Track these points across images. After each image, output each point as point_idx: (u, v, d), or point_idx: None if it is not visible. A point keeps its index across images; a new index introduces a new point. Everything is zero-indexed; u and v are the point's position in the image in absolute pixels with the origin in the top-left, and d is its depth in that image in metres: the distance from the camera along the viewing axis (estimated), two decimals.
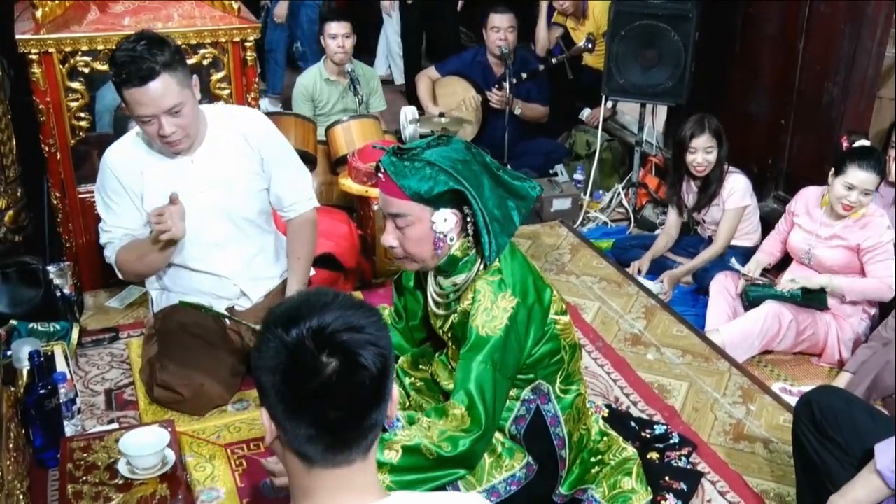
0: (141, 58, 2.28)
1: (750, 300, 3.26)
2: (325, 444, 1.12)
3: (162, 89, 2.32)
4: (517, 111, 4.63)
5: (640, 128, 4.40)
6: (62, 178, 3.18)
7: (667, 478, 2.33)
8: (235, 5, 3.28)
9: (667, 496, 2.27)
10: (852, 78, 3.60)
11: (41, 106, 3.05)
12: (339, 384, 1.09)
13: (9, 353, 2.54)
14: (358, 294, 3.03)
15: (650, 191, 4.40)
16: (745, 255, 3.55)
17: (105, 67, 2.65)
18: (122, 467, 2.10)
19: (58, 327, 2.83)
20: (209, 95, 3.23)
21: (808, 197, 3.31)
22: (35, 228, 3.37)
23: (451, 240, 1.95)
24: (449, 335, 2.10)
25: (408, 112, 4.22)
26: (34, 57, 2.98)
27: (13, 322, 2.76)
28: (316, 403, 1.09)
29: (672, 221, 3.85)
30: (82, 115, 3.14)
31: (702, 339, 3.18)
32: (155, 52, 2.30)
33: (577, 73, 5.13)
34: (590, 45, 4.85)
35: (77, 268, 3.26)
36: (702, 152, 3.55)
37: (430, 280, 2.12)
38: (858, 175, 3.03)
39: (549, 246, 3.94)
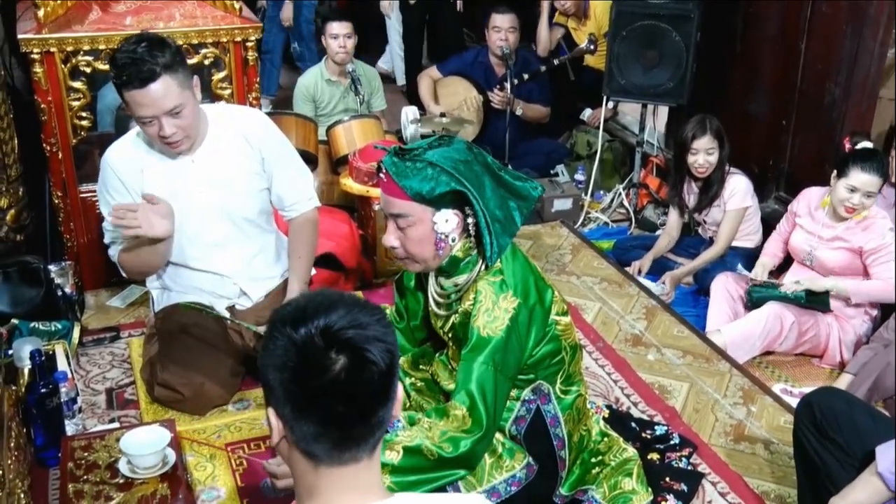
0: (141, 59, 2.29)
1: (753, 301, 3.25)
2: (333, 442, 1.13)
3: (162, 91, 2.32)
4: (518, 112, 4.63)
5: (642, 128, 4.40)
6: (63, 177, 3.18)
7: (667, 478, 2.33)
8: (237, 5, 3.28)
9: (667, 497, 2.27)
10: (854, 78, 3.59)
11: (43, 105, 3.05)
12: (347, 380, 1.10)
13: (10, 352, 2.55)
14: (359, 294, 3.03)
15: (651, 191, 4.40)
16: (746, 255, 3.55)
17: (106, 67, 2.66)
18: (122, 466, 2.10)
19: (59, 326, 2.83)
20: (210, 95, 3.23)
21: (810, 198, 3.30)
22: (36, 228, 3.37)
23: (453, 240, 1.95)
24: (450, 335, 2.10)
25: (409, 112, 4.22)
26: (36, 56, 2.98)
27: (14, 321, 2.76)
28: (324, 400, 1.10)
29: (673, 222, 3.85)
30: (84, 114, 3.14)
31: (702, 339, 3.18)
32: (155, 53, 2.30)
33: (579, 73, 5.13)
34: (592, 47, 4.85)
35: (78, 267, 3.26)
36: (703, 153, 3.55)
37: (431, 280, 2.12)
38: (861, 177, 3.02)
39: (550, 246, 3.94)
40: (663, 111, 4.58)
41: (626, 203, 4.39)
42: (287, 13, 5.75)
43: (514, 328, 1.92)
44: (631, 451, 2.26)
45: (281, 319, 1.13)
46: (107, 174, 2.55)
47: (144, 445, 2.10)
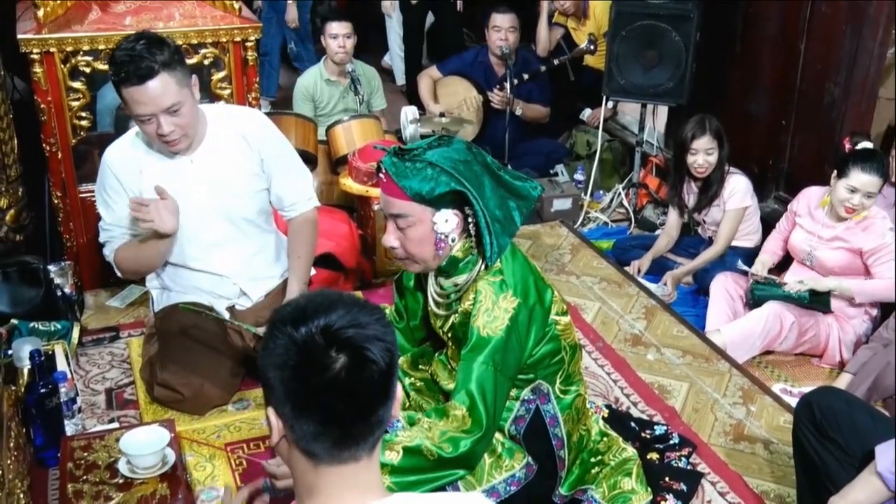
0: (140, 57, 2.29)
1: (756, 298, 3.25)
2: (333, 440, 1.13)
3: (161, 88, 2.32)
4: (518, 111, 4.63)
5: (641, 128, 4.40)
6: (63, 177, 3.18)
7: (667, 478, 2.33)
8: (237, 5, 3.28)
9: (667, 497, 2.27)
10: (853, 78, 3.59)
11: (42, 105, 3.05)
12: (348, 379, 1.11)
13: (9, 352, 2.55)
14: (358, 294, 3.03)
15: (651, 191, 4.40)
16: (746, 255, 3.55)
17: (106, 67, 2.67)
18: (122, 466, 2.10)
19: (58, 326, 2.83)
20: (210, 95, 3.23)
21: (810, 197, 3.30)
22: (36, 228, 3.37)
23: (453, 240, 1.95)
24: (449, 335, 2.10)
25: (408, 112, 4.22)
26: (36, 56, 2.98)
27: (14, 321, 2.77)
28: (325, 399, 1.11)
29: (672, 222, 3.85)
30: (83, 114, 3.14)
31: (702, 339, 3.18)
32: (154, 51, 2.30)
33: (578, 73, 5.13)
34: (592, 47, 4.85)
35: (78, 267, 3.26)
36: (703, 154, 3.55)
37: (431, 280, 2.12)
38: (861, 178, 3.02)
39: (550, 246, 3.94)
40: (663, 111, 4.58)
41: (625, 203, 4.39)
42: (292, 14, 5.77)
43: (514, 328, 1.92)
44: (630, 451, 2.26)
45: (281, 319, 1.14)
46: (105, 174, 2.55)
47: (144, 445, 2.10)
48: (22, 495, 2.08)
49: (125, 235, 2.57)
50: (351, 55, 4.39)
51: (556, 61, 4.91)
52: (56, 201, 3.23)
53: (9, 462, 2.03)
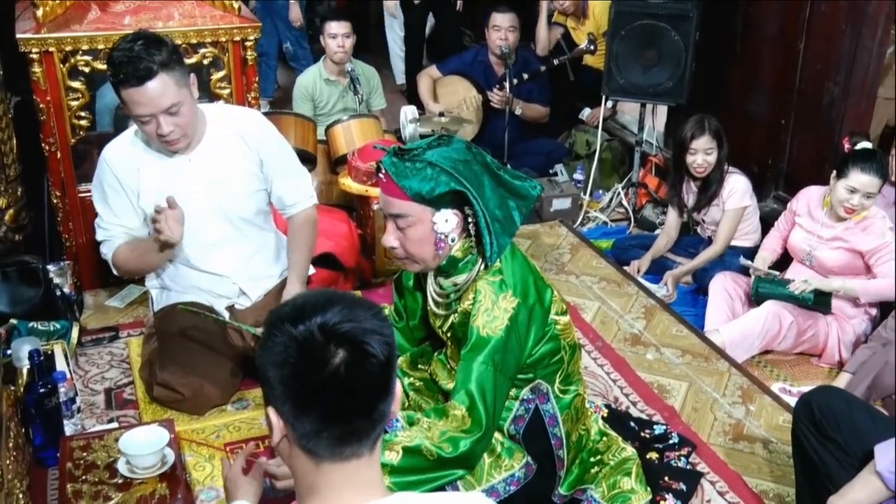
0: (138, 57, 2.28)
1: (759, 295, 3.24)
2: (334, 437, 1.13)
3: (160, 89, 2.31)
4: (518, 111, 4.63)
5: (640, 128, 4.40)
6: (62, 177, 3.18)
7: (666, 478, 2.33)
8: (236, 4, 3.28)
9: (666, 496, 2.27)
10: (853, 78, 3.59)
11: (41, 105, 3.05)
12: (347, 374, 1.11)
13: (9, 351, 2.54)
14: (357, 293, 3.03)
15: (650, 191, 4.40)
16: (746, 255, 3.55)
17: (105, 67, 2.67)
18: (121, 466, 2.10)
19: (58, 326, 2.83)
20: (209, 95, 3.23)
21: (809, 197, 3.30)
22: (35, 227, 3.37)
23: (453, 240, 1.95)
24: (448, 335, 2.10)
25: (408, 111, 4.22)
26: (35, 56, 2.98)
27: (13, 321, 2.76)
28: (325, 395, 1.11)
29: (672, 221, 3.85)
30: (83, 114, 3.14)
31: (701, 339, 3.18)
32: (152, 51, 2.30)
33: (578, 73, 5.12)
34: (591, 47, 4.85)
35: (77, 267, 3.26)
36: (702, 153, 3.55)
37: (430, 280, 2.12)
38: (861, 178, 3.02)
39: (549, 246, 3.94)
40: (662, 111, 4.58)
41: (624, 202, 4.39)
42: (295, 13, 5.78)
43: (514, 328, 1.92)
44: (630, 451, 2.26)
45: (279, 318, 1.15)
46: (103, 171, 2.55)
47: (143, 445, 2.10)
48: (21, 495, 2.08)
49: (123, 235, 2.57)
50: (350, 55, 4.39)
51: (555, 61, 4.91)
52: (55, 201, 3.23)
53: (8, 462, 2.02)
